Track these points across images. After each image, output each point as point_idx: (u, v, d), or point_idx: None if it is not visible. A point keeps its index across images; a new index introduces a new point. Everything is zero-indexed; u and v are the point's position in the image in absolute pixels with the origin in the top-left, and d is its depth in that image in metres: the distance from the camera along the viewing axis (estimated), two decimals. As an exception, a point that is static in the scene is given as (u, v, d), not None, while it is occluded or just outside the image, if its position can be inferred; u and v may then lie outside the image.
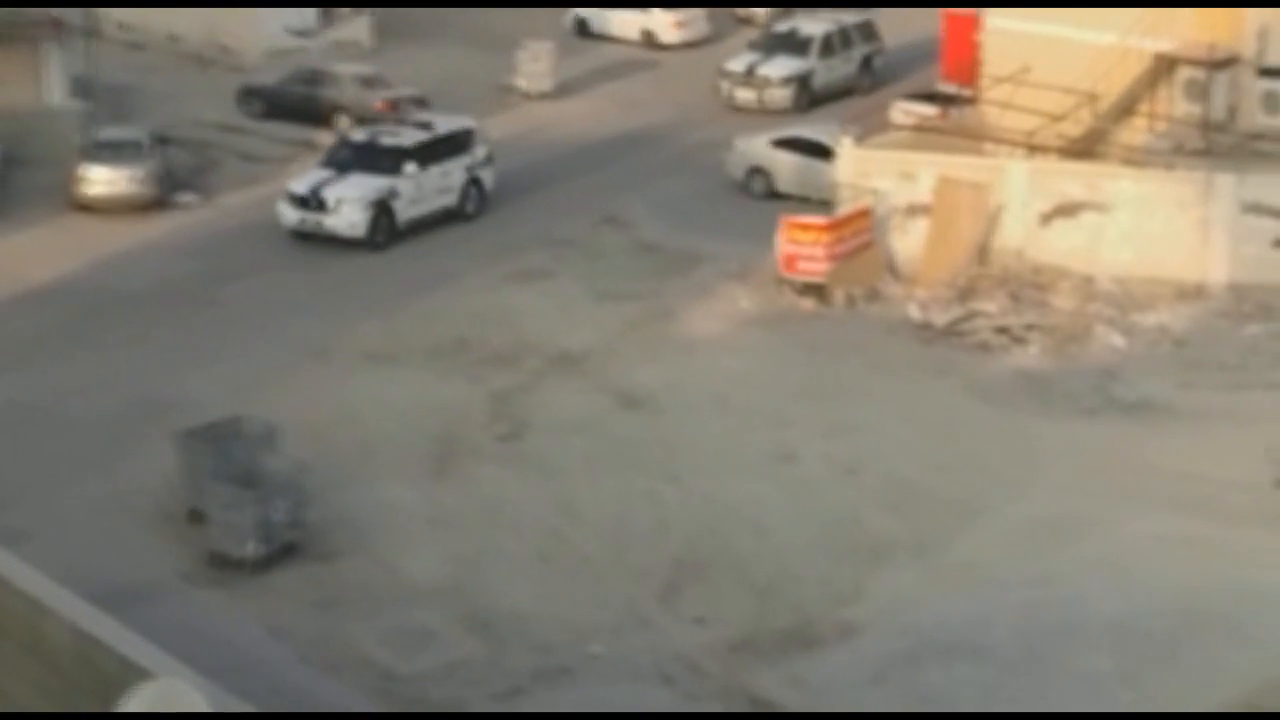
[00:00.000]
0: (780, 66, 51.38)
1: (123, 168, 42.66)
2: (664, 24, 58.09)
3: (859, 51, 52.93)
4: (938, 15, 49.86)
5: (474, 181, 42.77)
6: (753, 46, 53.08)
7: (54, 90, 46.44)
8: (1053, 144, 40.38)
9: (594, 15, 59.12)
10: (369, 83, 49.63)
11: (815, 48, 52.00)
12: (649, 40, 57.89)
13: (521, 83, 52.19)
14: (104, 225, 41.82)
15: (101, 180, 42.42)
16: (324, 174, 41.56)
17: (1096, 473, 30.64)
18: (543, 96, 51.83)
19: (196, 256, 40.30)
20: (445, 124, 43.44)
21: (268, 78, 51.10)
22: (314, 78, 49.86)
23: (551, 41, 53.18)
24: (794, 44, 52.21)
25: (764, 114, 49.53)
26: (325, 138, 48.00)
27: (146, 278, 38.97)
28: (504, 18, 59.12)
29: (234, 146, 47.49)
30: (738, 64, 51.86)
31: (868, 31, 53.65)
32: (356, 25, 56.60)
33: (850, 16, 54.16)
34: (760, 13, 61.03)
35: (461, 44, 56.99)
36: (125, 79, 51.57)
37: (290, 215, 41.07)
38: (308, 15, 55.54)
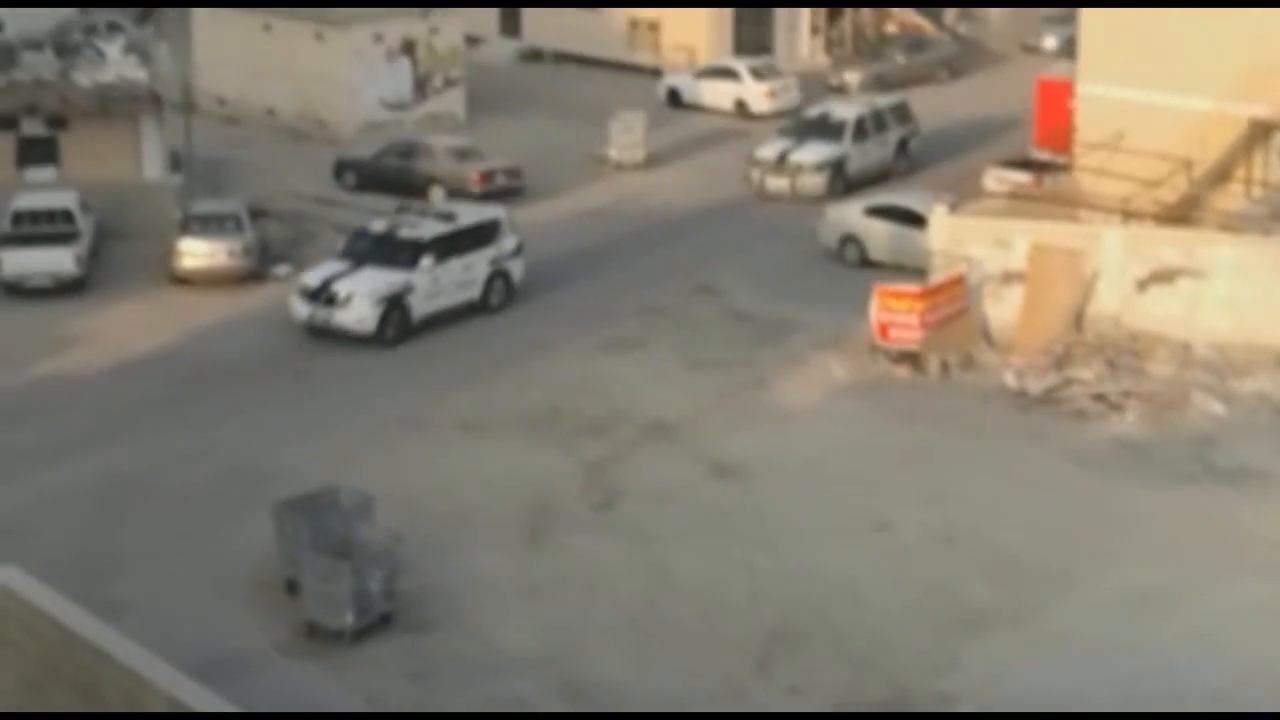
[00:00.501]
0: (813, 152, 49.79)
1: (219, 241, 43.11)
2: (756, 93, 58.33)
3: (894, 134, 51.51)
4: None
5: (500, 275, 41.18)
6: (783, 132, 51.48)
7: (152, 164, 47.08)
8: (1148, 210, 40.18)
9: (686, 85, 59.44)
10: (463, 155, 50.06)
11: (848, 132, 50.34)
12: (741, 110, 58.10)
13: (613, 153, 52.49)
14: (201, 298, 42.27)
15: (198, 253, 42.87)
16: (339, 266, 40.08)
17: (1196, 541, 30.30)
18: (635, 167, 52.11)
19: (292, 328, 40.60)
20: (470, 215, 41.92)
21: (362, 150, 51.67)
22: (408, 150, 50.35)
23: (643, 112, 53.45)
24: (826, 129, 50.52)
25: (797, 202, 48.39)
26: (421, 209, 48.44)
27: (243, 350, 39.33)
28: (596, 89, 59.57)
29: (329, 219, 47.96)
30: (769, 150, 50.32)
31: (902, 113, 52.19)
32: (450, 98, 57.20)
33: (884, 99, 53.08)
34: (852, 81, 61.24)
35: (554, 115, 57.42)
36: (221, 153, 52.31)
37: (301, 310, 39.69)
38: (402, 89, 56.16)
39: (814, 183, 49.27)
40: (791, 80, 59.39)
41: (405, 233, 40.64)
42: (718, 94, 58.91)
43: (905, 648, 27.31)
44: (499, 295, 41.22)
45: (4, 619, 17.93)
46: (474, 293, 40.83)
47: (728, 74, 59.26)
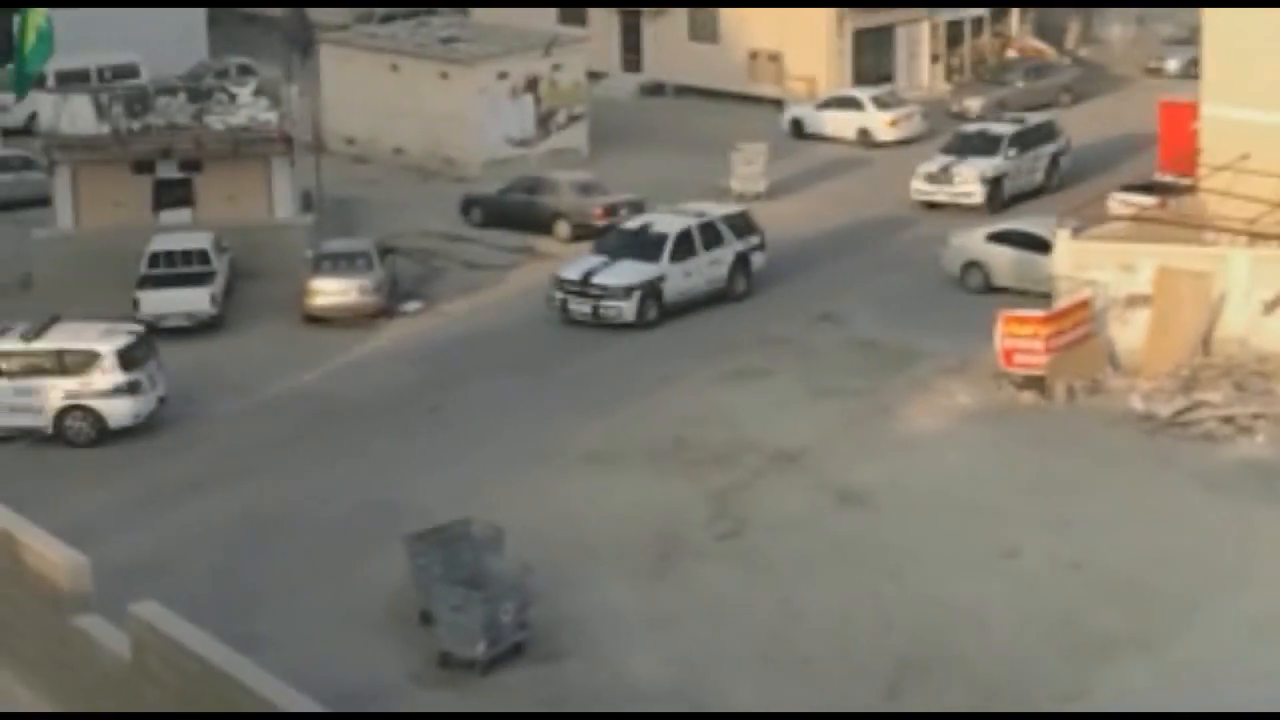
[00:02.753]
0: (624, 274, 42.58)
1: (350, 279, 43.73)
2: (879, 122, 58.24)
3: (729, 250, 44.34)
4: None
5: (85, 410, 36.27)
6: (599, 249, 44.17)
7: (283, 204, 47.83)
8: (1274, 231, 39.83)
9: (809, 116, 59.50)
10: (587, 189, 50.50)
11: (668, 249, 43.18)
12: (865, 139, 58.07)
13: (735, 184, 52.72)
14: (332, 335, 42.90)
15: (329, 291, 43.51)
16: None
17: (1328, 565, 30.07)
18: (756, 197, 52.26)
19: (422, 363, 41.18)
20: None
21: (488, 187, 52.24)
22: (533, 186, 50.85)
23: (765, 143, 53.64)
24: (645, 244, 43.30)
25: (601, 328, 42.61)
26: (546, 244, 48.93)
27: (374, 386, 39.90)
28: (717, 121, 59.83)
29: (457, 255, 48.57)
30: (574, 271, 43.31)
31: (741, 224, 45.12)
32: (573, 133, 57.67)
33: (720, 208, 46.13)
34: (972, 107, 61.09)
35: (676, 148, 57.71)
36: (351, 192, 53.08)
37: None
38: (527, 125, 56.73)
39: (619, 309, 42.53)
40: (915, 108, 59.29)
41: None
42: (840, 124, 58.92)
43: (1034, 675, 27.29)
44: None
45: (145, 653, 18.32)
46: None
47: (851, 103, 59.25)
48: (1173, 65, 64.87)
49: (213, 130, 47.33)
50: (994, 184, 50.97)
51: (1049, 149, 52.70)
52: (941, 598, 29.57)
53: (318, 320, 43.51)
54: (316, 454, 36.48)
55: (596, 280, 42.84)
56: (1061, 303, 38.68)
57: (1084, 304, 38.42)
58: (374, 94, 57.58)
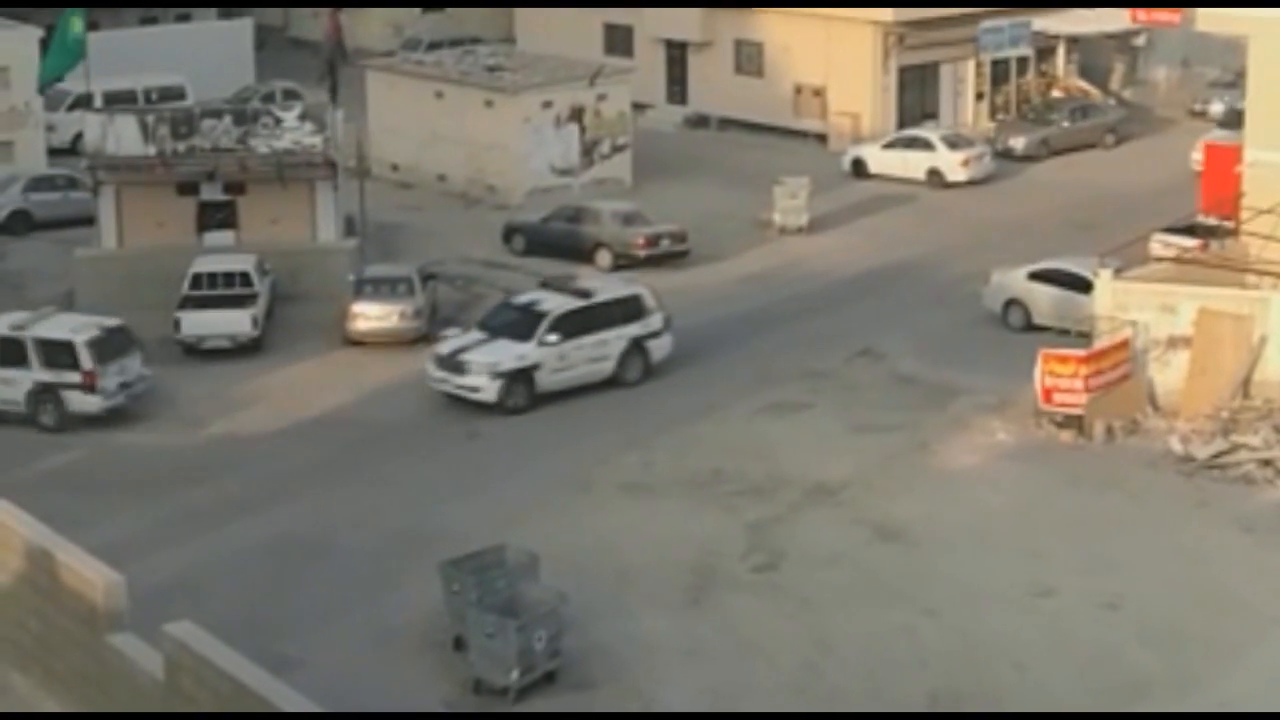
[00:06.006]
0: None
1: (391, 304, 43.84)
2: (952, 162, 57.68)
3: None
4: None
5: None
6: None
7: (326, 228, 48.01)
8: (1317, 275, 39.75)
9: (873, 155, 58.88)
10: (629, 219, 50.58)
11: None
12: (936, 179, 57.41)
13: (777, 218, 52.70)
14: (372, 359, 43.00)
15: (370, 315, 43.63)
16: None
17: (1366, 611, 29.92)
18: (798, 231, 52.25)
19: (460, 390, 41.22)
20: None
21: (530, 215, 52.38)
22: (576, 215, 50.95)
23: (807, 177, 53.56)
24: None
25: None
26: (587, 273, 48.98)
27: (412, 411, 39.98)
28: (760, 155, 59.87)
29: (498, 282, 48.65)
30: None
31: None
32: (617, 163, 57.78)
33: None
34: (1017, 146, 60.96)
35: (719, 181, 57.77)
36: (394, 217, 53.27)
37: None
38: (570, 154, 56.88)
39: None
40: (985, 148, 58.70)
41: None
42: (908, 164, 58.15)
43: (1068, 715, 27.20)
44: None
45: (179, 672, 18.43)
46: None
47: (919, 143, 58.58)
48: (1217, 108, 64.69)
49: (257, 153, 47.54)
50: (516, 378, 39.41)
51: (626, 331, 40.76)
52: (976, 634, 29.54)
53: (358, 344, 43.63)
54: (354, 478, 36.60)
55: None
56: (1102, 342, 38.63)
57: (1124, 344, 38.38)
58: (419, 120, 57.82)
